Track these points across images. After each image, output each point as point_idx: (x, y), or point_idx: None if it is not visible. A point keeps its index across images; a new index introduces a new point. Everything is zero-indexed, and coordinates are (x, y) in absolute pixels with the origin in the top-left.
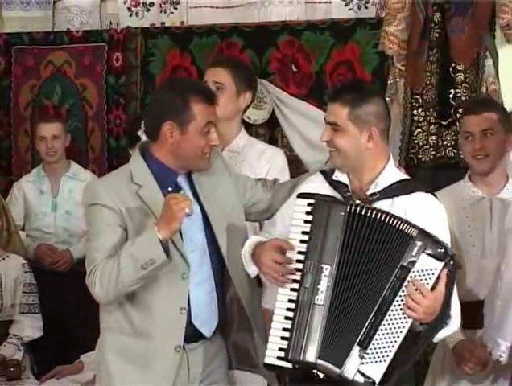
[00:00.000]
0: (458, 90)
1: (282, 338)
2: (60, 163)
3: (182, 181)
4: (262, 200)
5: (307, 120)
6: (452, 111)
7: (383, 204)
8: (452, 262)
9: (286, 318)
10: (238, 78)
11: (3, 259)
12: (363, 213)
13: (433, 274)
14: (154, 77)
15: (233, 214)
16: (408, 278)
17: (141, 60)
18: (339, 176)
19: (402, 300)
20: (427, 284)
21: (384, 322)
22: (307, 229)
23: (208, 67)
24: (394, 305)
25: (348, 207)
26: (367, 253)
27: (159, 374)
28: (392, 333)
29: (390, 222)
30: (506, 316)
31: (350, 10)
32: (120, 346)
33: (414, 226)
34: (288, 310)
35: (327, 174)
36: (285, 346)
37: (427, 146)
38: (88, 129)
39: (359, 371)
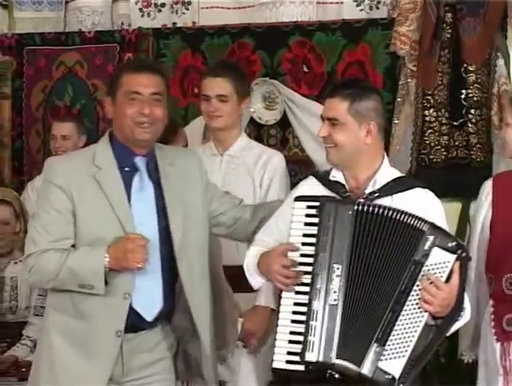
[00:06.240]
0: (470, 90)
1: (291, 341)
2: None
3: (140, 162)
4: (228, 214)
5: (319, 120)
6: (464, 111)
7: (383, 202)
8: (464, 254)
9: (293, 321)
10: (239, 86)
11: (20, 261)
12: (371, 211)
13: (446, 267)
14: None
15: (196, 212)
16: (422, 273)
17: None
18: (336, 176)
19: (417, 295)
20: (441, 277)
21: (401, 317)
22: (310, 232)
23: (205, 76)
24: (410, 300)
25: (356, 206)
26: (378, 250)
27: (99, 359)
28: (409, 328)
29: (400, 217)
30: None
31: (362, 10)
32: (62, 327)
33: (424, 220)
34: (294, 313)
35: (320, 177)
36: (295, 350)
37: (439, 147)
38: (99, 130)
39: (378, 368)
